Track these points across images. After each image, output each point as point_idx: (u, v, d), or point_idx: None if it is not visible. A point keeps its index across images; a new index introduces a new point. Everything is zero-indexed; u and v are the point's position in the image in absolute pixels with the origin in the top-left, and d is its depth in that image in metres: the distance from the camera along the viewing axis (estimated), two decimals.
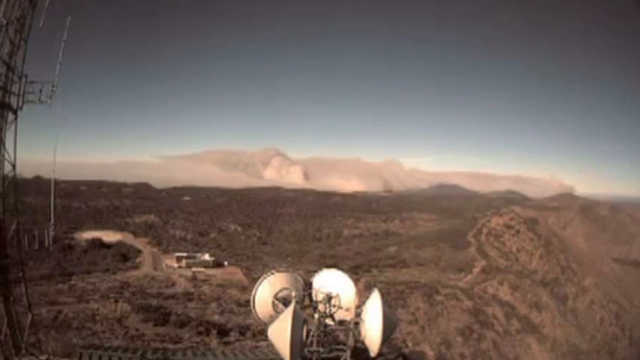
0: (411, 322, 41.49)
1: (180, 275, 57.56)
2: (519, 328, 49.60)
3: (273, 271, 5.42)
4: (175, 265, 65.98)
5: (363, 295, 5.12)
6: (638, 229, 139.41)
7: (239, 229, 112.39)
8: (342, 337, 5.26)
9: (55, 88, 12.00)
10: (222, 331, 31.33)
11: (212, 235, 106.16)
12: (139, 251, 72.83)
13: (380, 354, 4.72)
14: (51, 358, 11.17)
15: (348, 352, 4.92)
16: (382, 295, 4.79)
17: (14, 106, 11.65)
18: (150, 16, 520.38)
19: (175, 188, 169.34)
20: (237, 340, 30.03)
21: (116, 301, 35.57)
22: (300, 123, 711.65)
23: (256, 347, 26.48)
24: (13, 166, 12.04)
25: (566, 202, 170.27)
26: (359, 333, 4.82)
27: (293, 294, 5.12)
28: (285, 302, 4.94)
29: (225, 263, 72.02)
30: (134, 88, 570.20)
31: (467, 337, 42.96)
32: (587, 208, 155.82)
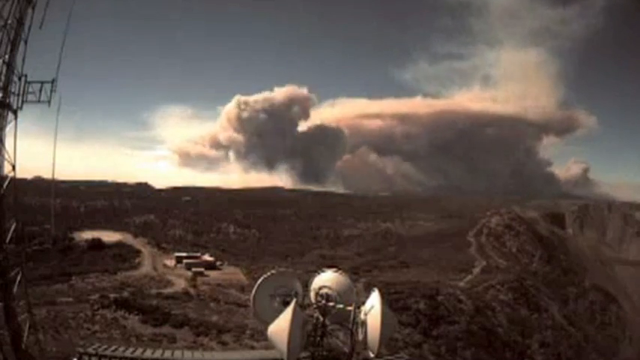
0: (411, 324, 41.46)
1: (180, 275, 57.55)
2: (520, 330, 49.57)
3: (273, 270, 5.41)
4: (175, 265, 66.01)
5: (362, 296, 5.11)
6: (639, 229, 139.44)
7: (239, 229, 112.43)
8: (341, 337, 5.26)
9: (54, 88, 12.01)
10: (221, 331, 31.32)
11: (212, 235, 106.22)
12: (139, 251, 72.80)
13: (379, 355, 4.71)
14: None
15: (348, 353, 4.92)
16: (382, 296, 4.78)
17: (14, 106, 11.66)
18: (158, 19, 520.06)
19: (175, 188, 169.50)
20: (236, 340, 30.02)
21: (115, 301, 35.56)
22: None
23: (254, 347, 26.48)
24: (13, 167, 12.04)
25: (566, 202, 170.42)
26: (358, 333, 4.81)
27: (293, 294, 5.12)
28: (285, 302, 4.93)
29: (225, 263, 72.07)
30: (134, 88, 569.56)
31: (468, 338, 42.93)
32: (588, 208, 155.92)
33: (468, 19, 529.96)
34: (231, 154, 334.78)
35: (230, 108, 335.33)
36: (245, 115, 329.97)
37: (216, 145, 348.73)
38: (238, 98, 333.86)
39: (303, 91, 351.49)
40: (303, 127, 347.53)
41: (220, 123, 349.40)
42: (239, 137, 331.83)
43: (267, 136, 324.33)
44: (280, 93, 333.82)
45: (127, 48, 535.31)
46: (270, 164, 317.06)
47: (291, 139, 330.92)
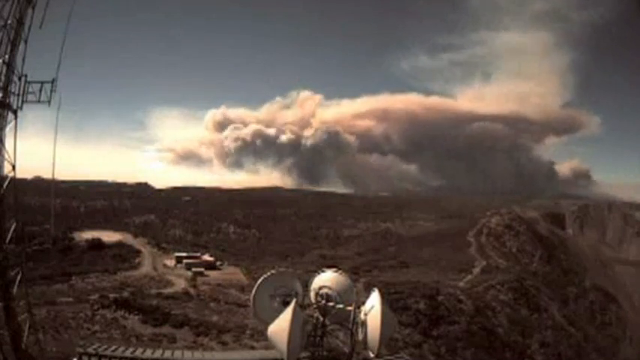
0: (411, 324, 41.48)
1: (180, 275, 57.56)
2: (520, 330, 49.58)
3: (273, 270, 5.41)
4: (175, 265, 66.01)
5: (362, 296, 5.11)
6: (639, 229, 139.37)
7: (239, 229, 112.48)
8: (341, 337, 5.26)
9: (54, 88, 12.01)
10: (221, 331, 31.33)
11: (212, 235, 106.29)
12: (139, 251, 72.82)
13: (379, 355, 4.71)
14: None
15: (348, 353, 4.92)
16: (382, 296, 4.78)
17: (14, 106, 11.66)
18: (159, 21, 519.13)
19: (175, 188, 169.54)
20: (236, 340, 30.03)
21: (115, 301, 35.56)
22: None
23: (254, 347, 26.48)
24: (13, 167, 12.04)
25: (566, 202, 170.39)
26: (358, 333, 4.81)
27: (293, 294, 5.12)
28: (285, 302, 4.93)
29: (225, 263, 72.08)
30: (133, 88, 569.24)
31: (468, 338, 42.95)
32: (588, 208, 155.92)
33: (469, 7, 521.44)
34: (228, 156, 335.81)
35: (220, 112, 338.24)
36: (238, 119, 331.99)
37: (212, 144, 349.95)
38: (224, 110, 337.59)
39: (304, 92, 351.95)
40: (302, 127, 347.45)
41: (214, 125, 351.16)
42: (233, 137, 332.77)
43: (264, 137, 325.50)
44: (279, 94, 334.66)
45: (127, 47, 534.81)
46: (268, 166, 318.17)
47: (291, 139, 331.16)
